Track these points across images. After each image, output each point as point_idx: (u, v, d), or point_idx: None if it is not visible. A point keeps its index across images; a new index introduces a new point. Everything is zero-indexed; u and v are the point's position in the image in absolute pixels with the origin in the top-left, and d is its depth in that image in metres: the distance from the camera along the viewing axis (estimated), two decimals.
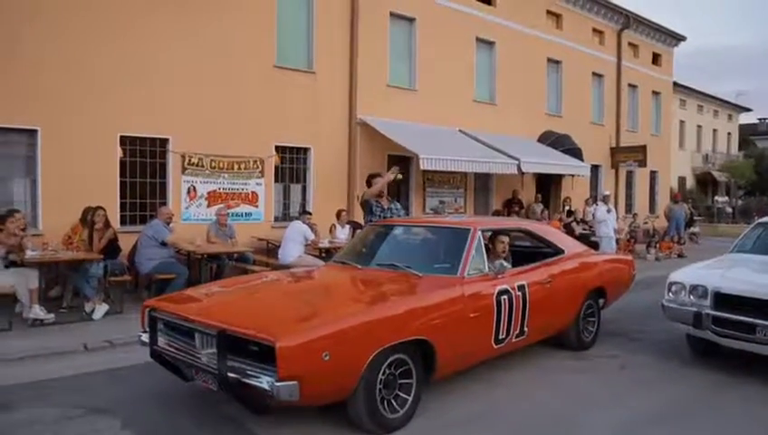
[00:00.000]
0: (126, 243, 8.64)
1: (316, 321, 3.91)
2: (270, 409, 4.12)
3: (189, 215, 10.34)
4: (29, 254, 7.06)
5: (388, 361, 4.06)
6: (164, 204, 9.71)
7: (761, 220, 7.61)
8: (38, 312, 7.05)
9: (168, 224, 8.37)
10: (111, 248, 8.03)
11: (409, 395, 4.24)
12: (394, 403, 4.15)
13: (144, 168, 9.97)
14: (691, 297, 5.76)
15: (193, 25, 10.22)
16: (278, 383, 3.47)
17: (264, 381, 3.54)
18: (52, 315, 7.23)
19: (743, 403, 4.92)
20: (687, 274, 6.11)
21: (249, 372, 3.66)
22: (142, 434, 4.10)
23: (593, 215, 14.70)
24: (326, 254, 9.92)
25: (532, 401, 4.90)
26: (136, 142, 9.81)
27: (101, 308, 7.51)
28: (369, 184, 7.30)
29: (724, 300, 5.53)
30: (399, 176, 7.15)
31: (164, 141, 10.12)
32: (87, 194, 8.66)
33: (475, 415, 4.56)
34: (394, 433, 4.11)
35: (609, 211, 13.70)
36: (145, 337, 4.55)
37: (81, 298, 7.69)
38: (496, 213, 14.94)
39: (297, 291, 4.96)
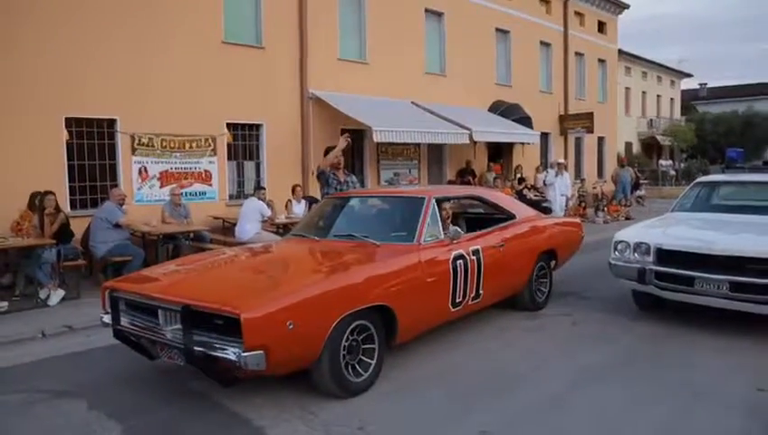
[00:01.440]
0: (78, 227, 8.48)
1: (278, 292, 3.99)
2: (237, 380, 4.21)
3: (142, 196, 10.19)
4: None
5: (351, 327, 4.19)
6: (115, 186, 9.53)
7: (698, 180, 8.00)
8: None
9: (121, 206, 8.25)
10: (64, 233, 7.86)
11: (372, 359, 4.39)
12: (358, 368, 4.29)
13: (92, 150, 9.74)
14: (635, 255, 6.07)
15: (138, 3, 9.95)
16: (245, 354, 3.56)
17: (231, 353, 3.62)
18: (5, 304, 7.13)
19: (683, 351, 5.25)
20: (631, 233, 6.42)
21: (215, 345, 3.73)
22: (110, 414, 4.11)
23: (543, 181, 15.18)
24: (283, 229, 9.94)
25: (489, 359, 5.13)
26: (82, 124, 9.57)
27: (57, 294, 7.40)
28: (326, 156, 7.34)
29: (665, 256, 5.85)
30: (348, 141, 7.21)
31: (112, 122, 9.89)
32: (34, 179, 8.45)
33: (436, 374, 4.76)
34: (359, 396, 4.25)
35: (556, 175, 14.08)
36: (107, 318, 4.55)
37: (35, 285, 7.54)
38: (450, 183, 15.18)
39: (257, 265, 5.02)
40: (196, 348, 3.77)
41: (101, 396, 4.46)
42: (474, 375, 4.74)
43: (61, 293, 7.46)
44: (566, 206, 15.10)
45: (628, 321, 6.24)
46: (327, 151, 7.37)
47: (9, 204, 8.09)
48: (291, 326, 3.74)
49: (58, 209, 7.96)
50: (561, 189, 14.16)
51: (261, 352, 3.60)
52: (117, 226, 8.00)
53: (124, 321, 4.42)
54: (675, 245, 5.88)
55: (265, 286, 4.22)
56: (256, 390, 4.36)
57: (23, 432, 3.97)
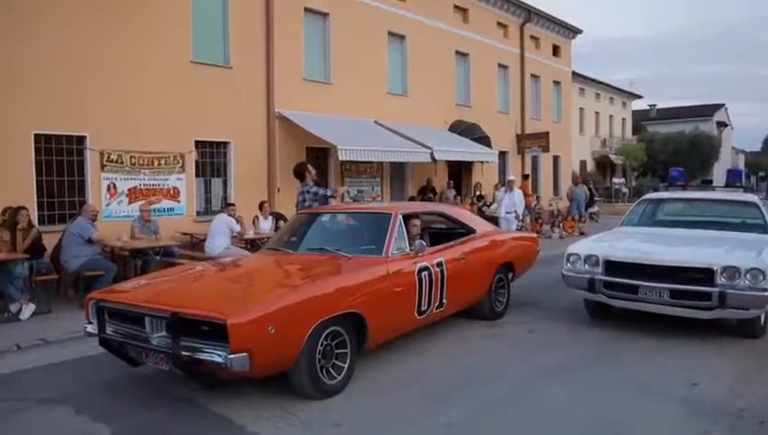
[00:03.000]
0: (47, 242, 8.57)
1: (260, 300, 4.32)
2: (220, 383, 4.49)
3: (110, 212, 10.30)
4: None
5: (326, 332, 4.53)
6: (84, 202, 9.64)
7: (644, 197, 8.63)
8: None
9: (93, 221, 8.40)
10: (36, 248, 7.98)
11: (345, 363, 4.74)
12: (332, 371, 4.63)
13: (61, 166, 9.85)
14: (586, 266, 6.58)
15: (108, 22, 10.15)
16: (231, 356, 3.87)
17: (217, 356, 3.92)
18: None
19: (628, 353, 5.76)
20: (582, 246, 6.95)
21: (202, 349, 4.02)
22: (97, 418, 4.33)
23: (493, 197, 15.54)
24: (251, 245, 10.20)
25: (453, 362, 5.53)
26: (51, 140, 9.67)
27: (29, 308, 7.49)
28: (295, 173, 7.69)
29: (612, 267, 6.37)
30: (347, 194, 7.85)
31: (81, 139, 10.02)
32: (3, 195, 8.52)
33: (405, 377, 5.13)
34: (333, 396, 4.58)
35: (505, 193, 14.28)
36: (91, 328, 4.78)
37: (6, 300, 7.62)
38: (411, 199, 15.63)
39: (237, 276, 5.33)
40: (183, 353, 4.05)
41: (86, 403, 4.67)
42: (439, 377, 5.13)
43: (32, 307, 7.55)
44: (520, 221, 15.25)
45: (580, 327, 6.74)
46: (296, 169, 7.71)
47: None
48: (272, 331, 4.07)
49: (30, 225, 8.07)
50: (507, 207, 13.95)
51: (245, 354, 3.91)
52: (89, 241, 8.14)
53: (109, 330, 4.65)
54: (621, 256, 6.42)
55: (248, 295, 4.55)
56: (237, 394, 4.64)
57: None
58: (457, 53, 18.53)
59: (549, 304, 7.90)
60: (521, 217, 14.19)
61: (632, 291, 6.18)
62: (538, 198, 20.27)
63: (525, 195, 19.88)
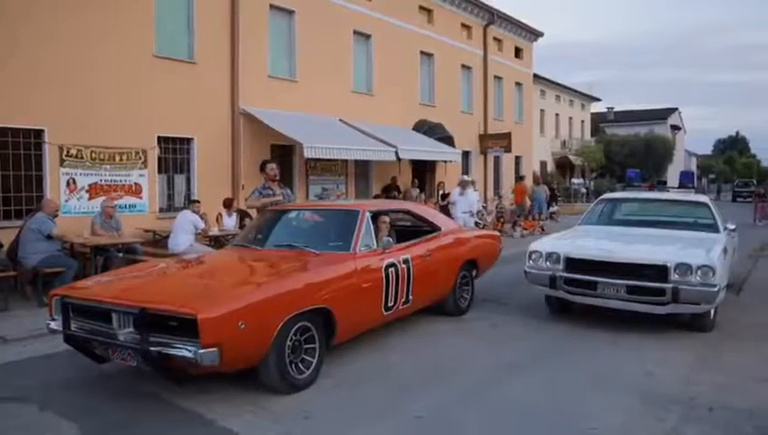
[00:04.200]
0: (1, 238, 8.38)
1: (230, 295, 4.34)
2: (188, 378, 4.49)
3: (70, 208, 10.08)
4: None
5: (295, 327, 4.57)
6: (42, 197, 9.43)
7: (602, 197, 8.91)
8: None
9: (54, 217, 8.23)
10: None
11: (314, 358, 4.79)
12: (301, 366, 4.68)
13: (17, 160, 9.60)
14: (547, 263, 6.77)
15: (69, 14, 9.93)
16: (201, 351, 3.89)
17: (187, 351, 3.93)
18: None
19: (587, 346, 5.97)
20: (544, 244, 7.15)
21: (171, 345, 4.02)
22: (62, 414, 4.28)
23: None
24: (215, 242, 10.13)
25: (419, 357, 5.65)
26: (8, 134, 9.42)
27: None
28: (262, 169, 7.67)
29: (572, 263, 6.58)
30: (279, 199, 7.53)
31: (39, 132, 9.78)
32: None
33: (373, 371, 5.22)
34: (303, 391, 4.63)
35: (461, 194, 14.33)
36: (54, 325, 4.72)
37: None
38: (376, 197, 15.71)
39: (205, 272, 5.31)
40: (152, 348, 4.04)
41: (51, 399, 4.60)
42: (406, 371, 5.23)
43: None
44: (479, 220, 15.23)
45: (541, 322, 6.93)
46: (263, 165, 7.71)
47: None
48: (242, 326, 4.10)
49: None
50: (462, 207, 13.64)
51: (215, 349, 3.94)
52: (49, 237, 7.97)
53: (74, 326, 4.60)
54: (581, 254, 6.63)
55: (217, 290, 4.55)
56: (207, 389, 4.64)
57: None
58: (422, 53, 18.71)
59: (511, 301, 8.08)
60: (474, 215, 14.06)
61: (591, 287, 6.40)
62: (500, 197, 20.61)
63: (519, 194, 20.31)
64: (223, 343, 3.97)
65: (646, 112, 52.23)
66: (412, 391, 4.74)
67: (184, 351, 3.95)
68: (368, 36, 16.40)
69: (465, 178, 14.41)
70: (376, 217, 6.36)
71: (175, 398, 4.53)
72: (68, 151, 10.07)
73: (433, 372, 5.22)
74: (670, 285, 5.97)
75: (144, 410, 4.38)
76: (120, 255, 9.03)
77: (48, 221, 8.05)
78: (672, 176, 42.72)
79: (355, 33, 15.94)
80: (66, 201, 10.04)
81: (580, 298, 6.64)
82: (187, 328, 3.98)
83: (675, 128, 53.93)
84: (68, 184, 10.12)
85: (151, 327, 4.10)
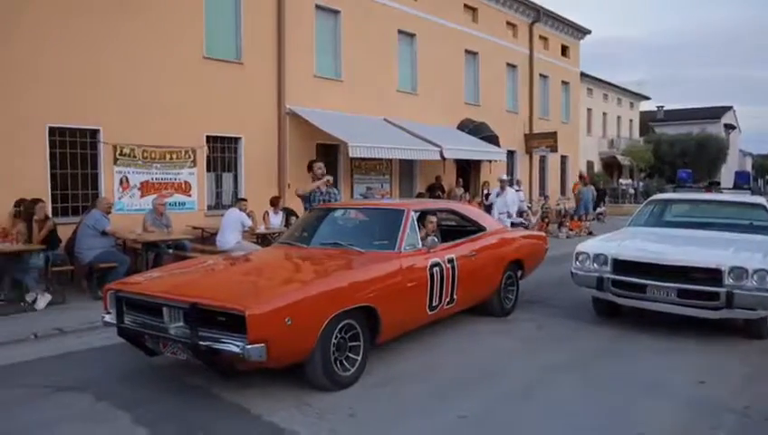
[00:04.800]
0: (60, 234, 8.69)
1: (278, 292, 4.42)
2: (236, 373, 4.59)
3: (123, 205, 10.41)
4: None
5: (340, 325, 4.62)
6: (97, 195, 9.77)
7: (652, 198, 8.69)
8: None
9: (108, 214, 8.52)
10: (51, 239, 8.11)
11: (358, 356, 4.83)
12: (346, 363, 4.73)
13: (75, 159, 9.96)
14: (594, 265, 6.65)
15: (122, 17, 10.25)
16: (248, 347, 3.97)
17: (235, 346, 4.02)
18: None
19: (634, 351, 5.84)
20: (591, 245, 7.02)
21: (220, 340, 4.12)
22: (117, 405, 4.43)
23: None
24: (261, 240, 10.31)
25: (463, 357, 5.63)
26: (66, 133, 9.79)
27: (44, 298, 7.62)
28: (310, 168, 7.77)
29: (621, 265, 6.44)
30: (329, 180, 7.79)
31: (94, 132, 10.13)
32: (17, 187, 8.65)
33: (417, 370, 5.23)
34: (346, 388, 4.67)
35: (497, 195, 14.13)
36: (109, 318, 4.89)
37: (22, 289, 7.75)
38: (419, 195, 15.71)
39: (253, 269, 5.42)
40: (201, 343, 4.15)
41: (106, 390, 4.77)
42: (450, 371, 5.22)
43: (48, 297, 7.68)
44: (524, 221, 14.98)
45: (588, 325, 6.81)
46: (311, 165, 7.81)
47: None
48: (289, 322, 4.16)
49: (46, 217, 8.20)
50: (500, 208, 13.52)
51: (263, 345, 4.01)
52: (103, 233, 8.26)
53: (127, 320, 4.75)
54: (629, 256, 6.49)
55: (265, 287, 4.64)
56: (252, 385, 4.73)
57: (33, 421, 4.23)
58: (467, 51, 18.58)
59: (557, 302, 7.97)
60: (512, 215, 13.85)
61: (640, 290, 6.25)
62: (546, 197, 20.33)
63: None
64: (270, 339, 4.04)
65: (698, 111, 50.61)
66: (456, 390, 4.73)
67: (232, 346, 4.04)
68: (412, 35, 16.39)
69: (503, 177, 14.26)
70: (421, 216, 6.38)
71: (222, 392, 4.63)
72: (121, 150, 10.39)
73: (477, 372, 5.19)
74: (724, 290, 5.79)
75: (193, 402, 4.50)
76: (170, 251, 9.29)
77: (102, 218, 8.34)
78: (726, 176, 41.24)
79: (400, 32, 15.95)
80: (119, 199, 10.36)
81: (628, 301, 6.50)
82: (235, 324, 4.06)
83: (729, 127, 52.03)
84: (121, 182, 10.44)
85: (201, 322, 4.21)
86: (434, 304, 5.73)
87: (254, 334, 3.98)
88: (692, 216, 8.26)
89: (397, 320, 5.26)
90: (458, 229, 7.33)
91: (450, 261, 5.97)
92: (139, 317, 4.72)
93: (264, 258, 5.86)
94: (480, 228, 7.10)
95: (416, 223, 5.94)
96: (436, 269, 5.73)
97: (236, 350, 4.00)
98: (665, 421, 4.18)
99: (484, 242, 6.81)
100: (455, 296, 6.01)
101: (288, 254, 5.83)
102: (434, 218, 6.66)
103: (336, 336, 4.61)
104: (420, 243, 5.82)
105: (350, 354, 4.78)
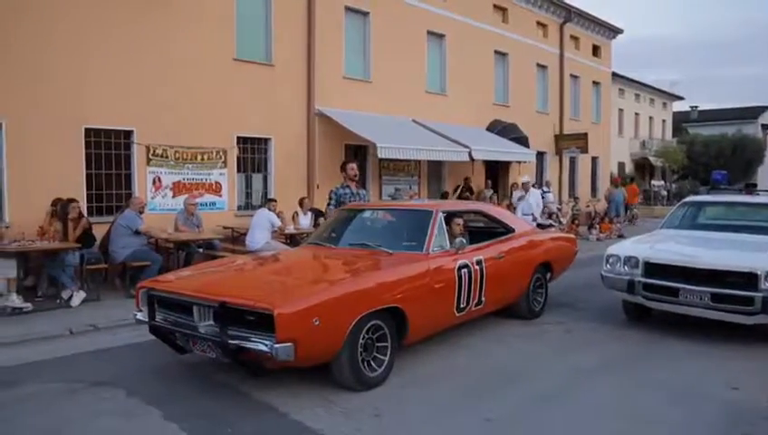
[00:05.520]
0: (94, 233, 8.89)
1: (306, 292, 4.46)
2: (264, 371, 4.65)
3: (155, 205, 10.61)
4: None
5: (368, 326, 4.64)
6: (131, 195, 9.97)
7: (685, 200, 8.52)
8: (15, 300, 7.32)
9: (141, 213, 8.69)
10: (86, 238, 8.31)
11: (385, 356, 4.84)
12: (373, 364, 4.74)
13: (110, 159, 10.19)
14: (625, 267, 6.55)
15: (155, 20, 10.46)
16: (277, 346, 4.01)
17: (264, 345, 4.06)
18: (29, 304, 7.50)
19: (666, 355, 5.74)
20: (622, 247, 6.92)
21: (249, 338, 4.17)
22: (148, 401, 4.52)
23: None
24: (290, 240, 10.40)
25: (491, 359, 5.60)
26: (101, 134, 10.01)
27: (79, 295, 7.80)
28: (342, 168, 7.81)
29: (652, 269, 6.34)
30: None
31: (128, 133, 10.34)
32: (54, 187, 8.87)
33: (444, 372, 5.22)
34: (373, 389, 4.69)
35: (519, 199, 13.91)
36: (141, 316, 4.99)
37: (58, 287, 7.96)
38: (443, 195, 15.65)
39: (282, 268, 5.48)
40: (230, 341, 4.21)
41: (137, 386, 4.87)
42: (477, 373, 5.20)
43: (82, 294, 7.86)
44: (554, 223, 14.69)
45: (617, 329, 6.72)
46: (344, 165, 7.86)
47: (30, 211, 8.55)
48: (317, 322, 4.20)
49: (81, 216, 8.40)
50: (524, 209, 13.12)
51: (291, 344, 4.05)
52: (136, 232, 8.43)
53: (159, 317, 4.84)
54: (661, 259, 6.38)
55: (293, 287, 4.68)
56: (280, 384, 4.78)
57: (69, 415, 4.35)
58: (496, 52, 18.46)
59: (586, 306, 7.88)
60: (538, 218, 13.65)
61: (672, 294, 6.14)
62: (576, 199, 20.09)
63: (632, 195, 21.54)
64: (298, 338, 4.08)
65: (733, 111, 49.34)
66: (483, 393, 4.71)
67: (260, 345, 4.08)
68: (441, 36, 16.36)
69: (525, 179, 14.00)
70: (449, 217, 6.37)
71: (250, 390, 4.69)
72: (154, 151, 10.59)
73: (504, 375, 5.17)
74: (760, 295, 5.65)
75: (222, 400, 4.56)
76: (201, 250, 9.43)
77: (136, 218, 8.51)
78: (763, 178, 40.22)
79: (429, 33, 15.93)
80: (152, 198, 10.56)
81: (660, 305, 6.39)
82: (264, 323, 4.11)
83: (766, 127, 50.77)
84: (153, 182, 10.64)
85: (230, 321, 4.27)
86: (461, 306, 5.71)
87: (283, 334, 4.03)
88: (726, 218, 8.09)
89: (424, 321, 5.26)
90: (486, 231, 7.29)
91: (478, 263, 5.95)
92: (170, 315, 4.80)
93: (292, 258, 5.92)
94: (508, 230, 7.06)
95: (444, 224, 5.93)
96: (464, 271, 5.71)
97: (265, 349, 4.05)
98: (697, 426, 4.10)
99: (512, 244, 6.76)
100: (483, 298, 5.98)
101: (316, 254, 5.87)
102: (460, 220, 6.64)
103: (363, 337, 4.63)
104: (449, 244, 5.81)
105: (378, 355, 4.80)
